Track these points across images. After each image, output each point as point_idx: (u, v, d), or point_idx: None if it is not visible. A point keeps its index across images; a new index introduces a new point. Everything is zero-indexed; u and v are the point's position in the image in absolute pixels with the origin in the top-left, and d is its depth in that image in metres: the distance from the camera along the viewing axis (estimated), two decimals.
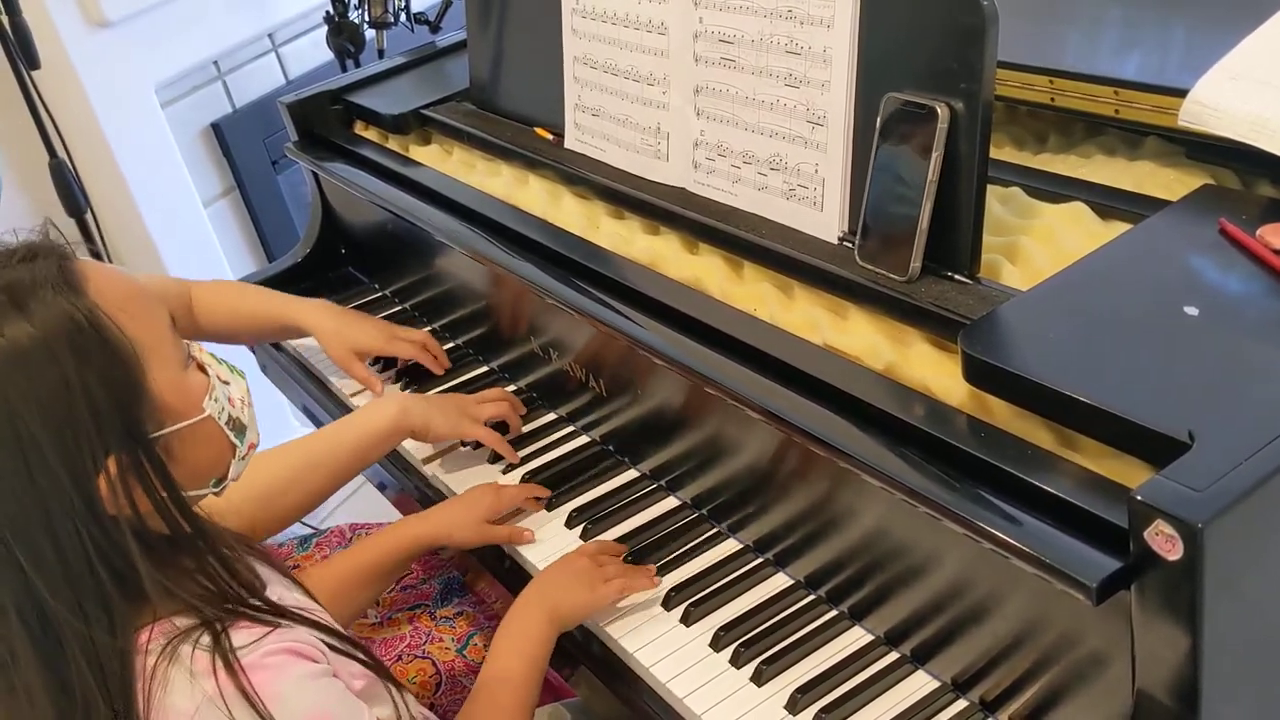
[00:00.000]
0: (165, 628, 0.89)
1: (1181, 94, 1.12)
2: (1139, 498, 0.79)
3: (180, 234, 2.49)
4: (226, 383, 0.99)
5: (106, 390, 0.85)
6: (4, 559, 0.84)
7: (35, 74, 2.06)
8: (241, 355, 1.99)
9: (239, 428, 0.98)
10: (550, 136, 1.58)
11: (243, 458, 1.00)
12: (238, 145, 2.60)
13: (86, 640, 0.85)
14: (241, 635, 0.90)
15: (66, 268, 0.87)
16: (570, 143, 1.53)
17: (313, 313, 1.62)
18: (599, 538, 1.32)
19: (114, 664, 0.86)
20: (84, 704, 0.86)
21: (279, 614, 0.95)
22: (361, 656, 1.02)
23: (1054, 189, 1.22)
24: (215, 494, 0.99)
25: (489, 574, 1.40)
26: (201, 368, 0.97)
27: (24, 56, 2.04)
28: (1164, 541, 0.78)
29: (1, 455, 0.83)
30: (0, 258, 0.88)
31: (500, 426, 1.49)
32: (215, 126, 2.56)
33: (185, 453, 0.92)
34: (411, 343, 1.62)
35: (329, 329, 1.60)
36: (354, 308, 1.83)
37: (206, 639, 0.88)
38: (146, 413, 0.88)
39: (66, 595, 0.84)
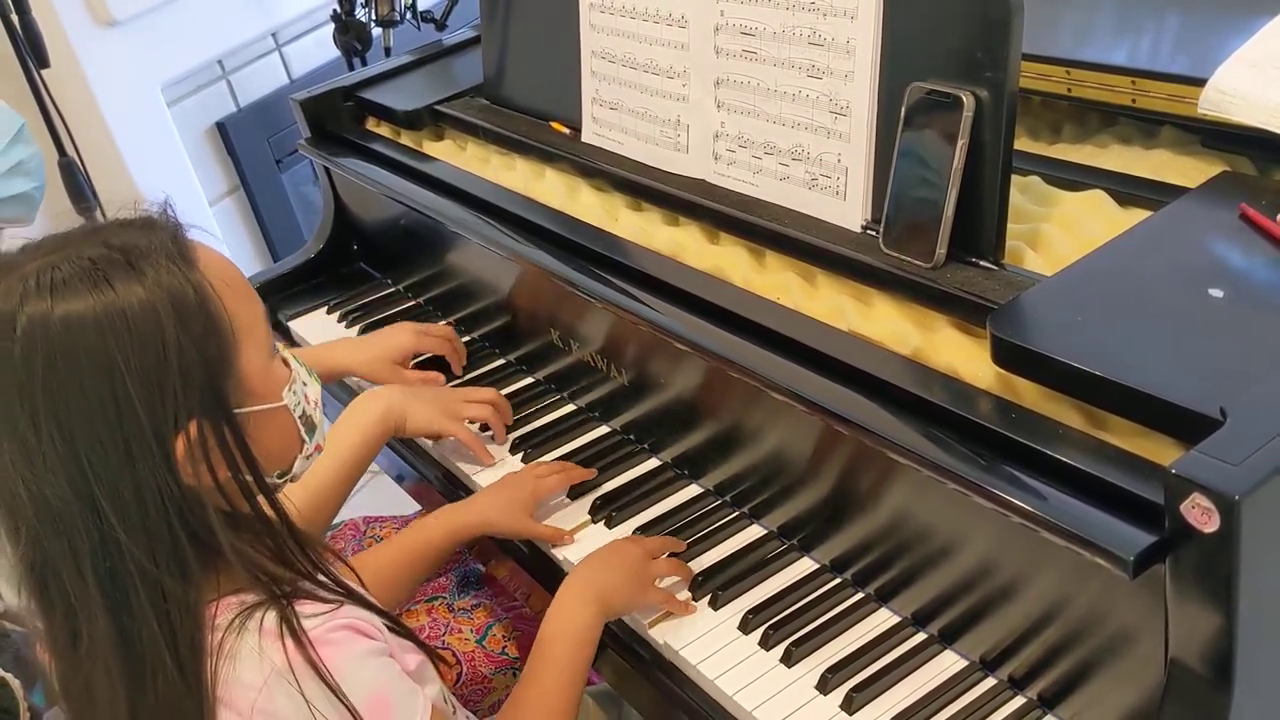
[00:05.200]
0: (231, 603, 0.91)
1: (1198, 83, 1.14)
2: (1176, 472, 0.81)
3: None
4: (305, 383, 1.01)
5: (200, 357, 0.87)
6: (84, 500, 0.86)
7: (44, 73, 2.07)
8: None
9: (310, 425, 1.01)
10: (566, 131, 1.60)
11: (308, 456, 1.02)
12: (242, 144, 2.61)
13: (157, 590, 0.87)
14: (307, 609, 0.92)
15: (181, 240, 0.91)
16: (588, 136, 1.55)
17: (341, 351, 1.62)
18: (624, 525, 1.33)
19: (183, 619, 0.87)
20: (152, 662, 0.87)
21: (345, 593, 0.97)
22: (415, 638, 1.04)
23: (1073, 177, 1.24)
24: (277, 484, 1.00)
25: (511, 561, 1.41)
26: (285, 362, 1.00)
27: (34, 56, 2.05)
28: (1200, 514, 0.80)
29: (97, 402, 0.85)
30: (119, 223, 0.92)
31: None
32: (220, 125, 2.58)
33: (258, 436, 0.93)
34: (438, 338, 1.63)
35: (363, 358, 1.60)
36: (367, 304, 1.86)
37: (273, 613, 0.90)
38: (231, 387, 0.91)
39: (142, 541, 0.86)
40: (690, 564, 1.26)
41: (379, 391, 1.44)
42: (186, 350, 0.86)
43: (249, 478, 0.92)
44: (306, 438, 1.00)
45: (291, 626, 0.89)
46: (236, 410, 0.91)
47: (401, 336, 1.61)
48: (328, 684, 0.88)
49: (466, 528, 1.32)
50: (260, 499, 0.94)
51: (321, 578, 0.98)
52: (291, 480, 1.02)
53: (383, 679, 0.94)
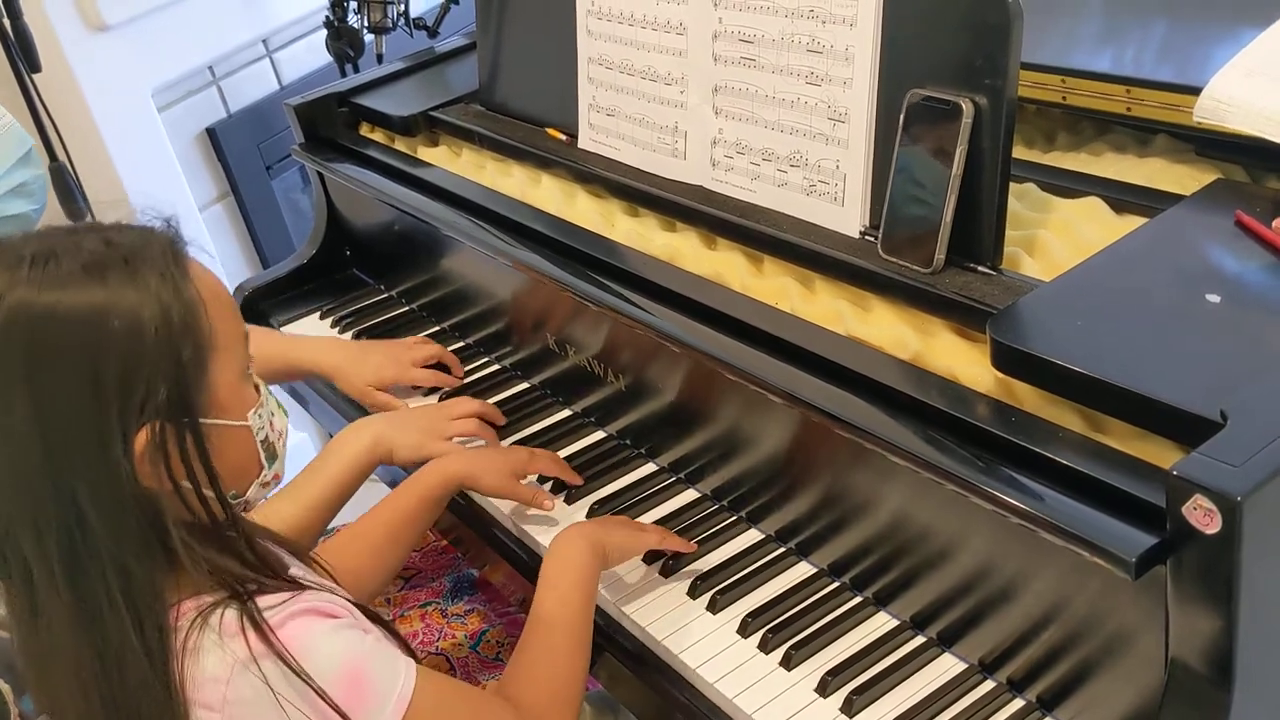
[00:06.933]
0: (191, 606, 0.92)
1: (1193, 91, 1.15)
2: (1177, 474, 0.82)
3: None
4: (273, 413, 1.03)
5: (174, 364, 0.89)
6: (54, 476, 0.87)
7: (35, 77, 2.07)
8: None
9: (272, 453, 1.02)
10: (563, 137, 1.60)
11: (265, 483, 1.03)
12: (232, 150, 2.60)
13: (122, 572, 0.88)
14: (265, 601, 0.93)
15: (178, 250, 0.94)
16: (584, 143, 1.55)
17: (323, 352, 1.62)
18: None
19: (149, 604, 0.89)
20: (117, 647, 0.88)
21: (301, 589, 0.97)
22: (384, 622, 1.04)
23: (1068, 184, 1.25)
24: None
25: (506, 564, 1.41)
26: (256, 388, 1.01)
27: (25, 59, 2.04)
28: (1202, 516, 0.81)
29: (72, 380, 0.87)
30: (119, 225, 0.95)
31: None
32: (210, 131, 2.57)
33: (218, 450, 0.94)
34: (427, 371, 1.61)
35: (342, 368, 1.60)
36: (360, 309, 1.86)
37: (233, 609, 0.91)
38: (197, 396, 0.92)
39: (110, 523, 0.88)
40: (688, 568, 1.26)
41: (366, 422, 1.43)
42: (162, 349, 0.88)
43: (208, 491, 0.93)
44: (266, 464, 1.01)
45: (252, 618, 0.90)
46: (200, 420, 0.92)
47: (384, 368, 1.59)
48: (291, 668, 0.89)
49: (457, 476, 1.32)
50: (216, 509, 0.95)
51: (280, 579, 0.98)
52: (247, 507, 1.03)
53: (352, 652, 0.95)
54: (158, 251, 0.91)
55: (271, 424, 1.02)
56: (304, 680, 0.90)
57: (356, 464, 1.38)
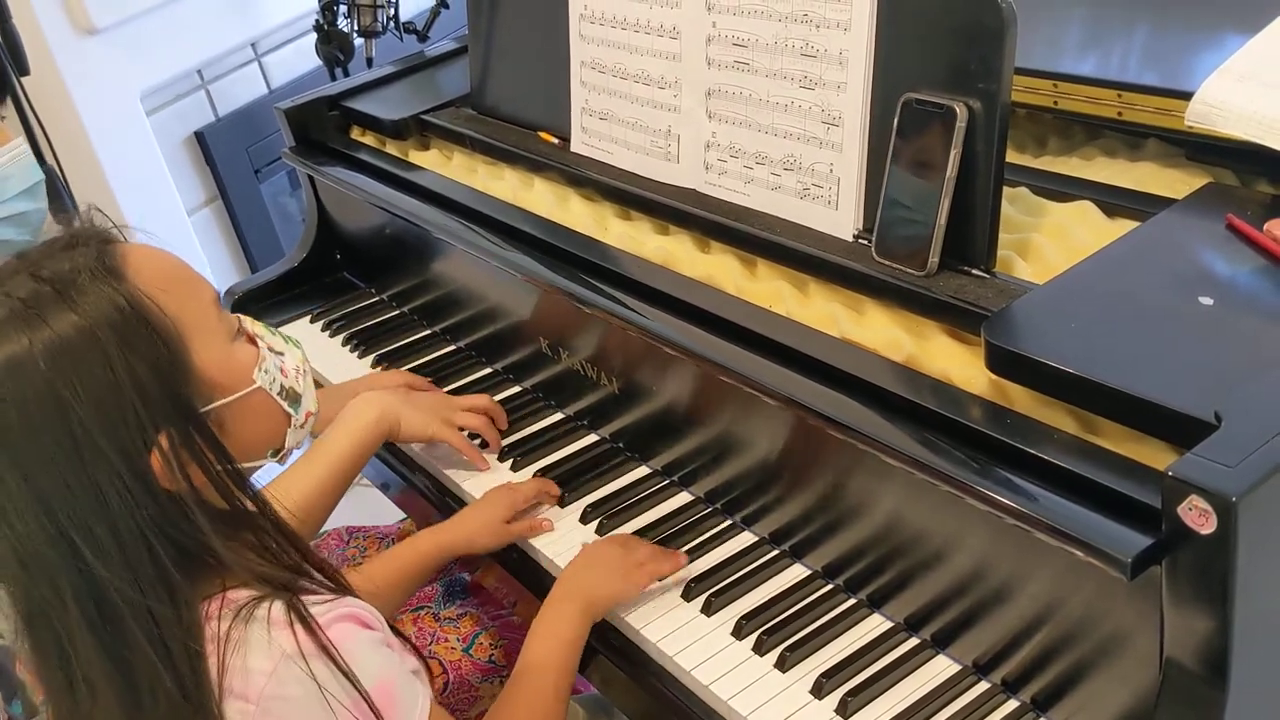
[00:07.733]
0: (234, 597, 0.91)
1: (1184, 96, 1.16)
2: (1173, 474, 0.82)
3: (165, 242, 2.47)
4: (280, 353, 1.00)
5: (151, 371, 0.86)
6: (60, 545, 0.85)
7: (24, 80, 2.06)
8: None
9: (293, 397, 1.00)
10: (555, 141, 1.60)
11: (300, 426, 1.01)
12: (220, 154, 2.60)
13: (146, 616, 0.86)
14: (310, 600, 0.92)
15: (105, 252, 0.89)
16: (577, 146, 1.55)
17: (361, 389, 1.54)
18: (615, 532, 1.33)
19: (178, 638, 0.87)
20: (149, 685, 0.86)
21: (341, 587, 0.97)
22: (411, 643, 1.04)
23: (1060, 188, 1.26)
24: (276, 463, 1.00)
25: (499, 567, 1.41)
26: (251, 339, 0.98)
27: (14, 63, 2.04)
28: (1198, 516, 0.82)
29: (53, 443, 0.84)
30: (45, 248, 0.90)
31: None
32: (199, 135, 2.57)
33: (237, 426, 0.93)
34: (474, 412, 1.50)
35: (398, 412, 1.44)
36: (351, 313, 1.86)
37: (280, 603, 0.90)
38: (193, 390, 0.90)
39: (125, 575, 0.86)
40: (682, 570, 1.26)
41: (373, 396, 1.43)
42: (135, 367, 0.85)
43: (228, 481, 0.91)
44: (292, 410, 0.99)
45: (300, 614, 0.89)
46: (207, 408, 0.91)
47: (425, 424, 1.45)
48: (339, 667, 0.88)
49: (450, 546, 1.33)
50: (242, 494, 0.94)
51: (317, 574, 0.98)
52: (292, 449, 1.02)
53: (387, 668, 0.94)
54: (85, 265, 0.87)
55: (283, 369, 0.99)
56: (353, 683, 0.89)
57: (365, 436, 1.38)
